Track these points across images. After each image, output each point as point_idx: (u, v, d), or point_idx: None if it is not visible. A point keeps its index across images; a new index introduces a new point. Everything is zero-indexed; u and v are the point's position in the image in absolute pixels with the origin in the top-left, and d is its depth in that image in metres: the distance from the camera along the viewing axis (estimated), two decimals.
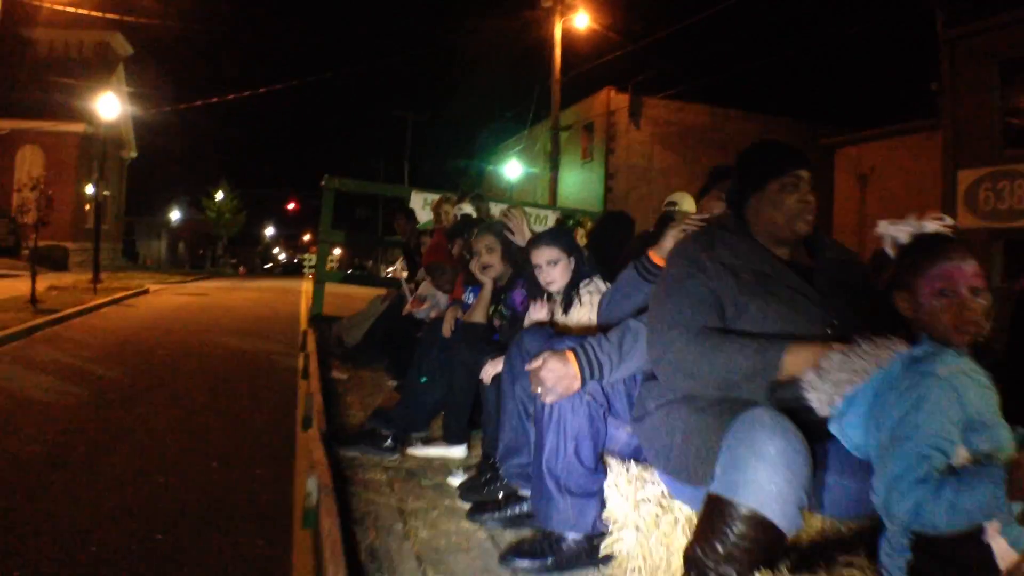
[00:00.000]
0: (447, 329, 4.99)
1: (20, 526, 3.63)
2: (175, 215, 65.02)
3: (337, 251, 53.98)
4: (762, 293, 2.56)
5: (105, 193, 33.12)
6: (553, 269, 3.98)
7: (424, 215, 9.74)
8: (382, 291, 9.62)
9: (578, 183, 31.98)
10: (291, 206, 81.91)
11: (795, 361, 2.29)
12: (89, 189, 34.43)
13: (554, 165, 25.67)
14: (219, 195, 63.17)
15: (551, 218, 10.82)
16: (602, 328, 3.25)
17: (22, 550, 3.36)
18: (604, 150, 30.62)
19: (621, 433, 3.13)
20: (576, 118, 32.23)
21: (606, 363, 2.90)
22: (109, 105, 22.43)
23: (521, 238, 4.99)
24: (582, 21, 25.00)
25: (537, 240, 4.09)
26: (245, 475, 4.64)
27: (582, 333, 3.52)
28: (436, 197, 8.99)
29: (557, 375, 2.85)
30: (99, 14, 29.91)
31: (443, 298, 6.47)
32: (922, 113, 20.96)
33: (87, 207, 35.82)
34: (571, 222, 9.75)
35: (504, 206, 6.75)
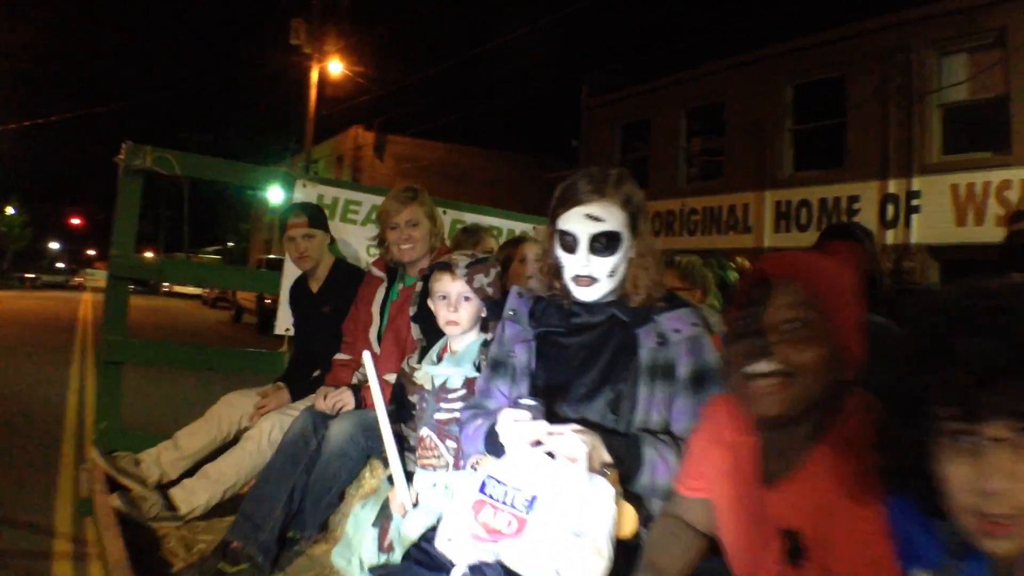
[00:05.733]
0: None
1: None
2: None
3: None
4: None
5: None
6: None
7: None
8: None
9: None
10: (75, 221, 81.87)
11: None
12: None
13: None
14: (10, 210, 64.16)
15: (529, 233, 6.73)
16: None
17: None
18: (352, 181, 34.43)
19: None
20: (330, 151, 35.81)
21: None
22: None
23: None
24: (336, 67, 28.65)
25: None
26: None
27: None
28: (332, 190, 5.11)
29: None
30: None
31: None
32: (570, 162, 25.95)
33: None
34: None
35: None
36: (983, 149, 14.64)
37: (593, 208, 2.32)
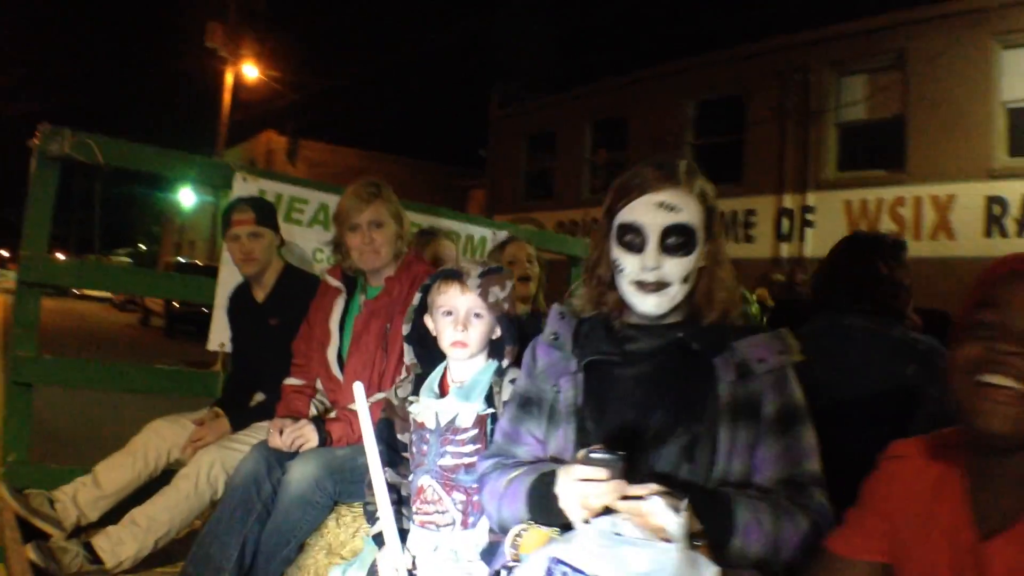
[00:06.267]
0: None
1: None
2: None
3: None
4: None
5: None
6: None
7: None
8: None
9: None
10: None
11: None
12: None
13: (224, 195, 29.12)
14: None
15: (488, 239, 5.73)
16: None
17: None
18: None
19: None
20: (242, 155, 34.71)
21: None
22: None
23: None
24: (251, 71, 28.44)
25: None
26: None
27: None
28: (276, 184, 4.57)
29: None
30: None
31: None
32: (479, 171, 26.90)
33: None
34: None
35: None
36: (878, 167, 15.04)
37: (666, 196, 1.91)
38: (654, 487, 1.59)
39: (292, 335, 3.65)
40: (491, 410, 2.40)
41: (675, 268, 1.91)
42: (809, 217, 15.84)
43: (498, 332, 2.50)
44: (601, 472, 1.63)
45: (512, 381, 2.41)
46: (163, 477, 3.56)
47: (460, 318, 2.41)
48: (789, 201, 16.19)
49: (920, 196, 14.13)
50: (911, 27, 14.52)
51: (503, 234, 5.36)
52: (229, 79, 27.83)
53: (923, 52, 14.25)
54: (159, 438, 3.67)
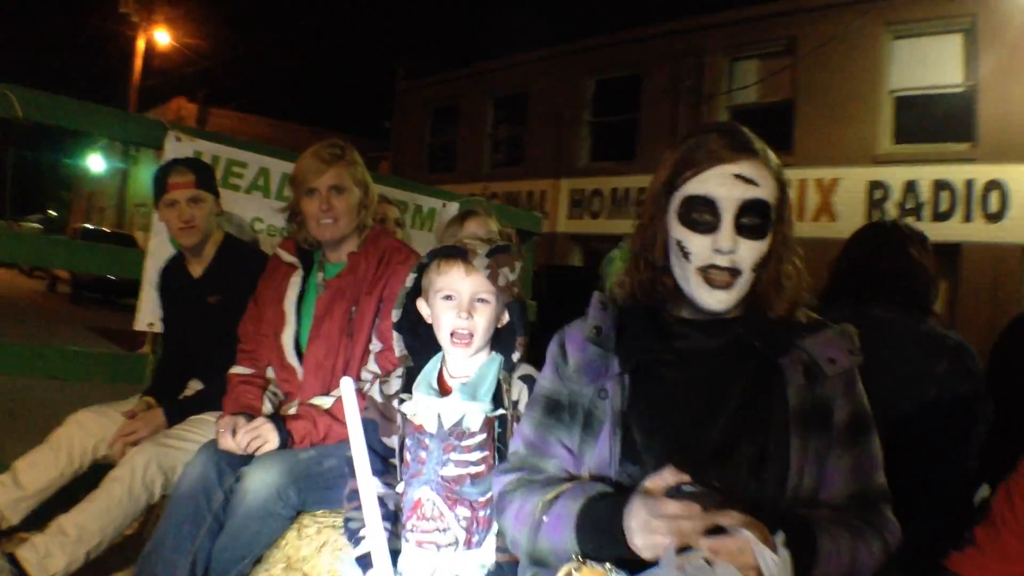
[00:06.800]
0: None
1: None
2: None
3: None
4: None
5: None
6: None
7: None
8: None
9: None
10: None
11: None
12: None
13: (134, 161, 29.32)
14: None
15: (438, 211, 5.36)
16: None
17: None
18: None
19: None
20: None
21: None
22: None
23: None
24: (163, 37, 28.24)
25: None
26: None
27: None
28: (213, 145, 4.18)
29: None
30: None
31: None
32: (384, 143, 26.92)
33: None
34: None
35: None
36: None
37: (743, 167, 1.63)
38: (740, 517, 1.38)
39: (234, 315, 3.23)
40: (500, 411, 2.11)
41: (749, 252, 1.64)
42: None
43: (504, 319, 2.21)
44: (695, 508, 1.42)
45: (523, 378, 2.16)
46: (90, 474, 3.15)
47: (464, 303, 2.10)
48: None
49: (805, 179, 14.50)
50: (803, 14, 14.95)
51: (453, 206, 5.11)
52: (141, 45, 27.65)
53: (814, 39, 14.62)
54: (84, 432, 3.21)
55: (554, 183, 18.98)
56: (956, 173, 13.11)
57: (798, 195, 14.48)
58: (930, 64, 13.79)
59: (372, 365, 2.85)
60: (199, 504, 2.62)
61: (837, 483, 1.63)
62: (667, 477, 1.46)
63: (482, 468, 2.06)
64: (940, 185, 13.23)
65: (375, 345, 2.88)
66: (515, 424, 2.05)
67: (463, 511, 2.05)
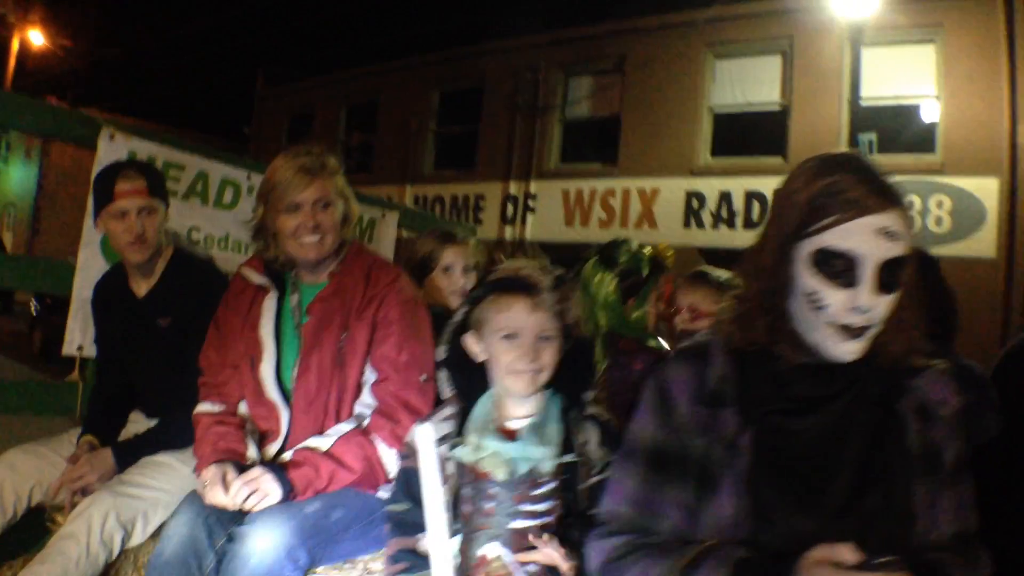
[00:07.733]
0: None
1: None
2: None
3: None
4: None
5: None
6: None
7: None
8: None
9: (27, 177, 34.37)
10: None
11: None
12: None
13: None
14: None
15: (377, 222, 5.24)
16: None
17: None
18: (40, 151, 32.42)
19: None
20: None
21: None
22: None
23: None
24: (37, 38, 27.77)
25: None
26: None
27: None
28: (150, 146, 3.76)
29: None
30: None
31: None
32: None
33: None
34: None
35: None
36: (594, 161, 16.49)
37: (888, 220, 1.48)
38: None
39: (189, 340, 2.83)
40: (571, 456, 1.92)
41: (883, 308, 1.52)
42: (531, 203, 17.14)
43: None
44: None
45: (589, 418, 1.99)
46: (24, 523, 2.71)
47: (528, 343, 1.91)
48: (514, 188, 17.39)
49: (628, 188, 15.59)
50: (632, 35, 16.05)
51: (393, 216, 4.98)
52: (15, 45, 27.36)
53: (640, 58, 15.78)
54: (16, 475, 2.71)
55: (400, 189, 19.39)
56: (768, 185, 13.75)
57: (622, 204, 15.61)
58: (749, 83, 14.83)
59: (367, 397, 2.55)
60: (191, 572, 2.27)
61: (944, 523, 1.56)
62: (844, 553, 1.36)
63: (550, 519, 1.89)
64: (753, 196, 14.18)
65: (369, 375, 2.57)
66: (582, 468, 1.92)
67: (533, 568, 1.85)
